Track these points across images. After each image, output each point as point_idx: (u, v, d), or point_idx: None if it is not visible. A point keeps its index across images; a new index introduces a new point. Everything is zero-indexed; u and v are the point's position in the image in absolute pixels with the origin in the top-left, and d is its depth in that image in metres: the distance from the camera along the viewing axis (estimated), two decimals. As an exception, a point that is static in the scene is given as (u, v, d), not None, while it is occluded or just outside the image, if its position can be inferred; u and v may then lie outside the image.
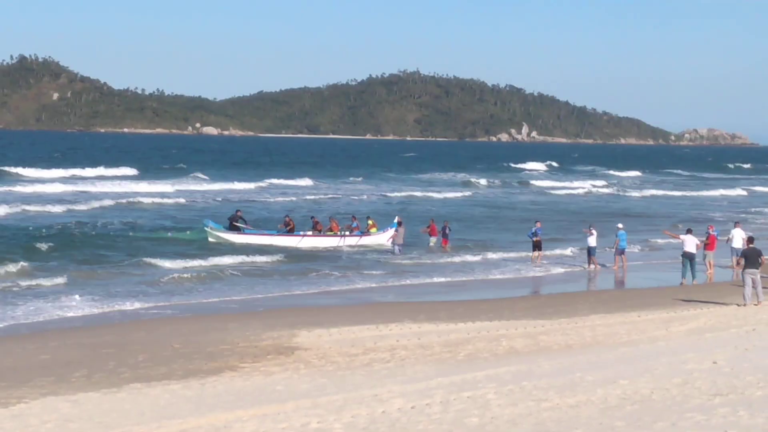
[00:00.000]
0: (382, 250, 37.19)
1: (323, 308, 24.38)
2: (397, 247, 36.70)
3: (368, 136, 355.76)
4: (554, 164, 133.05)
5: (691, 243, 30.39)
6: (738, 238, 33.09)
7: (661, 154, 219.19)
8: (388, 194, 69.25)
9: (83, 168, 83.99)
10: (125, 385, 15.49)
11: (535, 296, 27.97)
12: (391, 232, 38.50)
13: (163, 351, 18.39)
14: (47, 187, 63.00)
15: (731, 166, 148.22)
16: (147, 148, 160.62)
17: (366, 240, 38.51)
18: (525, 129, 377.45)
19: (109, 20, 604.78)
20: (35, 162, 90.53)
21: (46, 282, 26.64)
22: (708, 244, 32.31)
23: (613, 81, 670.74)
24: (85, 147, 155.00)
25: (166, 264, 30.96)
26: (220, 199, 60.13)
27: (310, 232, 38.60)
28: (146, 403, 14.30)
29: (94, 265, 30.52)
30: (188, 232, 39.55)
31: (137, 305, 24.19)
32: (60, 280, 26.94)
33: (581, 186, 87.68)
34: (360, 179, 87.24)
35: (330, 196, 66.56)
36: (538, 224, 36.04)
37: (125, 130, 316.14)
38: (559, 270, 33.34)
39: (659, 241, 41.07)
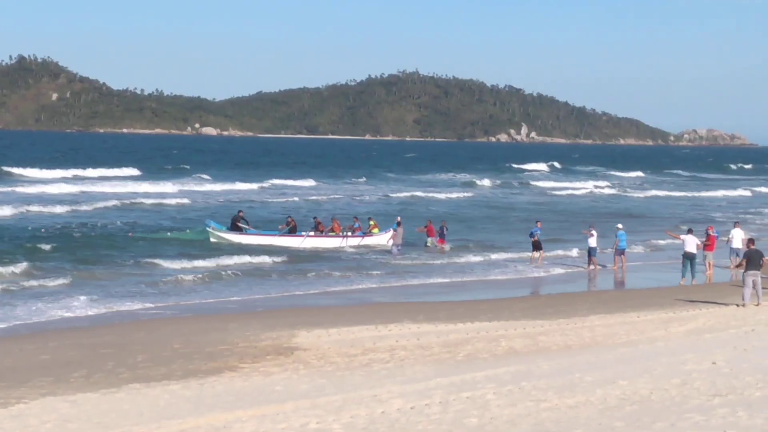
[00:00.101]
0: (382, 251, 37.20)
1: (322, 308, 24.38)
2: (395, 247, 36.72)
3: (367, 137, 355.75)
4: (556, 165, 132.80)
5: (691, 243, 30.42)
6: (738, 238, 33.12)
7: (661, 155, 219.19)
8: (390, 195, 69.21)
9: (85, 168, 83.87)
10: (124, 386, 15.49)
11: (535, 297, 27.99)
12: (390, 233, 38.53)
13: (163, 351, 18.39)
14: (50, 187, 62.78)
15: (733, 167, 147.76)
16: (147, 148, 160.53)
17: (368, 240, 38.52)
18: (524, 129, 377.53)
19: (108, 20, 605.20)
20: (37, 162, 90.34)
21: (46, 282, 26.63)
22: (708, 245, 32.33)
23: (613, 81, 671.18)
24: (85, 147, 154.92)
25: (167, 264, 30.97)
26: (222, 199, 59.99)
27: (312, 233, 38.60)
28: (145, 403, 14.30)
29: (95, 265, 30.51)
30: (188, 231, 39.54)
31: (137, 305, 24.20)
32: (60, 280, 26.94)
33: (584, 187, 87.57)
34: (362, 179, 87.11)
35: (332, 196, 66.51)
36: (539, 224, 36.06)
37: (124, 130, 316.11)
38: (560, 270, 33.35)
39: (661, 241, 41.05)
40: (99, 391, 15.14)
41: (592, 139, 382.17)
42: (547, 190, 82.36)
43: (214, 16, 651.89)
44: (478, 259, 35.42)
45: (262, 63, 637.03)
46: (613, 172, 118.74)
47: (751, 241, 26.23)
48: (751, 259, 24.45)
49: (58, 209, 48.03)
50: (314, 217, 41.30)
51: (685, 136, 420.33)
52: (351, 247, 37.77)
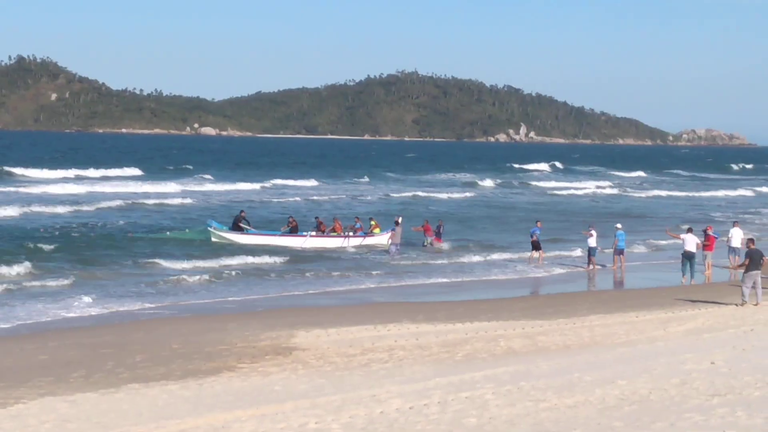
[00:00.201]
0: (381, 251, 37.20)
1: (321, 308, 24.38)
2: (393, 247, 36.73)
3: (366, 137, 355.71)
4: (557, 165, 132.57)
5: (691, 242, 30.45)
6: (737, 237, 33.18)
7: (660, 155, 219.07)
8: (392, 195, 69.16)
9: (87, 169, 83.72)
10: (123, 386, 15.49)
11: (534, 296, 27.99)
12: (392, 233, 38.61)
13: (162, 351, 18.39)
14: (52, 187, 62.60)
15: (736, 167, 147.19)
16: (147, 148, 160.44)
17: (369, 240, 38.53)
18: (523, 129, 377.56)
19: (107, 21, 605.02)
20: (38, 162, 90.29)
21: (46, 282, 26.62)
22: (707, 245, 32.36)
23: (611, 81, 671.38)
24: (86, 147, 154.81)
25: (167, 264, 30.96)
26: (223, 199, 59.91)
27: (313, 233, 38.60)
28: (144, 403, 14.29)
29: (95, 265, 30.47)
30: (187, 230, 39.50)
31: (136, 305, 24.18)
32: (61, 280, 26.91)
33: (586, 187, 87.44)
34: (364, 179, 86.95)
35: (334, 196, 66.46)
36: (539, 224, 36.08)
37: (123, 130, 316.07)
38: (559, 270, 33.34)
39: (662, 241, 40.97)
40: (98, 391, 15.14)
41: (591, 139, 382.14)
42: (549, 190, 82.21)
43: (214, 16, 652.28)
44: (477, 259, 35.42)
45: (261, 63, 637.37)
46: (614, 172, 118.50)
47: (751, 240, 26.26)
48: (752, 258, 24.48)
49: (61, 209, 47.99)
50: (316, 217, 41.28)
51: (684, 136, 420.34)
52: (352, 247, 37.78)
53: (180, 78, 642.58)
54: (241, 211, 40.55)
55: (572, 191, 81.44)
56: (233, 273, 29.88)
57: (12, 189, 60.92)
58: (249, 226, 38.78)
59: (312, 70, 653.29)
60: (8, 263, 28.80)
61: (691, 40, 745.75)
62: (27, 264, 28.82)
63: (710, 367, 15.92)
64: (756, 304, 24.16)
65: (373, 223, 39.74)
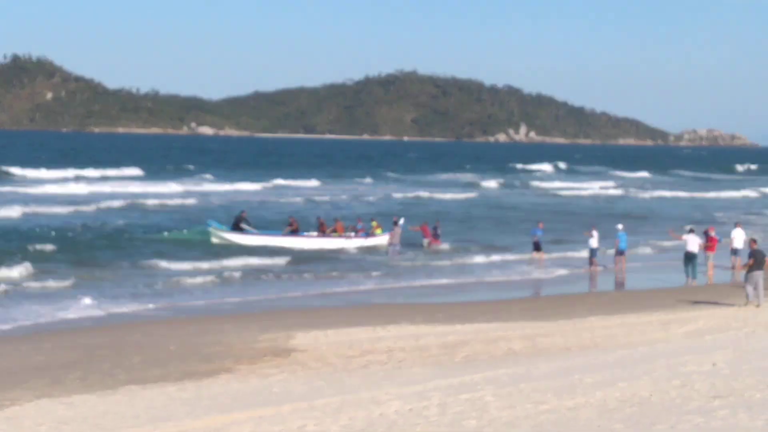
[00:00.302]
0: (380, 251, 37.17)
1: (320, 310, 24.33)
2: (392, 247, 36.73)
3: (365, 136, 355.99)
4: (560, 165, 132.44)
5: (693, 243, 30.43)
6: (739, 238, 33.17)
7: (662, 155, 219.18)
8: (395, 195, 69.11)
9: (86, 169, 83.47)
10: (120, 387, 15.42)
11: (534, 298, 27.95)
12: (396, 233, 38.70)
13: (159, 353, 18.32)
14: (52, 187, 62.39)
15: (740, 168, 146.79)
16: (146, 148, 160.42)
17: (371, 241, 38.50)
18: (523, 129, 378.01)
19: (103, 19, 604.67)
20: (38, 163, 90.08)
21: (44, 283, 26.59)
22: (709, 246, 32.36)
23: (612, 81, 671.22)
24: (84, 147, 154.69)
25: (166, 265, 30.90)
26: (225, 200, 59.79)
27: (314, 233, 38.56)
28: (142, 405, 14.22)
29: (93, 266, 30.39)
30: (185, 231, 39.43)
31: (134, 307, 24.12)
32: (59, 282, 26.86)
33: (589, 187, 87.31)
34: (367, 180, 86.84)
35: (337, 197, 66.46)
36: (540, 225, 36.06)
37: (120, 129, 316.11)
38: (560, 271, 33.28)
39: (666, 243, 40.81)
40: (95, 392, 15.07)
41: (591, 139, 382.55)
42: (553, 191, 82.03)
43: (211, 14, 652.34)
44: (478, 259, 35.37)
45: (259, 62, 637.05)
46: (617, 173, 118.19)
47: (753, 240, 26.26)
48: (756, 258, 24.47)
49: (61, 210, 47.92)
50: (318, 218, 41.24)
51: (685, 136, 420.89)
52: (354, 248, 37.76)
53: (177, 77, 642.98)
54: (242, 211, 40.40)
55: (576, 192, 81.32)
56: (232, 274, 29.82)
57: (11, 189, 60.95)
58: (249, 226, 38.68)
59: (310, 69, 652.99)
60: (6, 264, 28.76)
61: (692, 39, 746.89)
62: (25, 265, 28.75)
63: (711, 369, 15.87)
64: (757, 306, 24.13)
65: (374, 224, 39.71)
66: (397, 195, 69.30)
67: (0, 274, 27.43)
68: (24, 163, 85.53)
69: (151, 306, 24.34)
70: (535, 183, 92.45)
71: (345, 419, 12.99)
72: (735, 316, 22.72)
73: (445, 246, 38.31)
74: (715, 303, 25.18)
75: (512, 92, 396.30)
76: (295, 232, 38.30)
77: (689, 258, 30.24)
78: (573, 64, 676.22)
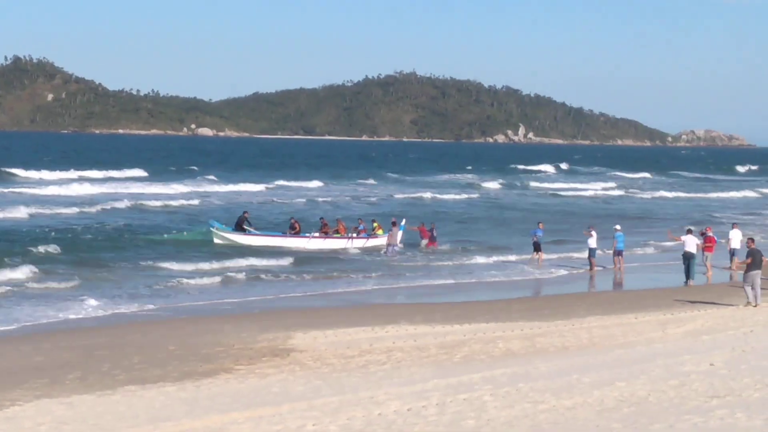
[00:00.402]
0: (380, 252, 37.17)
1: (319, 310, 24.34)
2: (391, 248, 36.77)
3: (364, 138, 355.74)
4: (562, 166, 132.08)
5: (691, 243, 30.46)
6: (736, 238, 33.21)
7: (661, 156, 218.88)
8: (398, 196, 69.07)
9: (91, 170, 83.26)
10: (120, 387, 15.43)
11: (532, 298, 27.94)
12: (399, 234, 38.69)
13: (158, 353, 18.33)
14: (56, 189, 62.25)
15: (742, 169, 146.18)
16: (147, 149, 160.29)
17: (372, 242, 38.49)
18: (521, 130, 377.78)
19: (103, 21, 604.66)
20: (42, 164, 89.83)
21: (45, 284, 26.57)
22: (708, 246, 32.37)
23: (610, 82, 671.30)
24: (87, 148, 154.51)
25: (166, 266, 30.88)
26: (230, 201, 59.69)
27: (317, 234, 38.56)
28: (141, 405, 14.24)
29: (94, 267, 30.28)
30: (185, 233, 39.40)
31: (133, 307, 24.12)
32: (59, 283, 26.84)
33: (591, 188, 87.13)
34: (370, 181, 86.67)
35: (340, 197, 66.43)
36: (540, 225, 36.07)
37: (120, 131, 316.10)
38: (560, 272, 33.28)
39: (669, 243, 40.75)
40: (94, 393, 15.08)
41: (590, 140, 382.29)
42: (555, 192, 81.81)
43: (211, 16, 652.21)
44: (477, 260, 35.36)
45: (259, 64, 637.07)
46: (619, 173, 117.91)
47: (751, 240, 26.29)
48: (753, 258, 24.49)
49: (65, 211, 47.88)
50: (321, 218, 41.23)
51: (683, 136, 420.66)
52: (355, 248, 37.78)
53: (177, 78, 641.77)
54: (245, 212, 40.39)
55: (578, 192, 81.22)
56: (233, 275, 29.80)
57: (16, 190, 61.04)
58: (251, 227, 38.66)
59: (310, 70, 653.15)
60: (10, 265, 28.80)
61: (690, 40, 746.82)
62: (27, 266, 28.75)
63: (709, 369, 15.90)
64: (755, 305, 24.16)
65: (375, 224, 39.70)
66: (400, 196, 69.24)
67: (3, 276, 27.43)
68: (27, 165, 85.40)
69: (150, 306, 24.34)
70: (537, 184, 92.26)
71: (344, 419, 13.01)
72: (733, 316, 22.74)
73: (443, 247, 38.31)
74: (713, 303, 25.19)
75: (511, 93, 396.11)
76: (297, 234, 38.31)
77: (687, 258, 30.26)
78: (571, 66, 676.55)
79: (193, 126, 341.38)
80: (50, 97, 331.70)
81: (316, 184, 79.37)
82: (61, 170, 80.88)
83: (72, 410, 13.93)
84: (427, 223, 40.29)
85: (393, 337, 19.99)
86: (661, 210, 64.19)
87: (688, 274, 30.12)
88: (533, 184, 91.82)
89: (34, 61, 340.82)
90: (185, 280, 28.24)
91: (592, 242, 33.39)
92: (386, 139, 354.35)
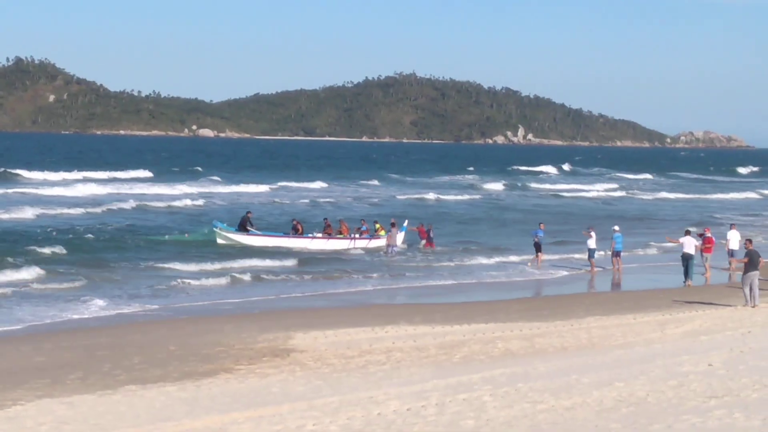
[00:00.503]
0: (379, 253, 37.20)
1: (319, 310, 24.37)
2: (390, 248, 36.83)
3: (364, 139, 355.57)
4: (565, 167, 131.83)
5: (689, 244, 30.50)
6: (734, 239, 33.23)
7: (661, 157, 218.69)
8: (402, 197, 69.00)
9: (96, 171, 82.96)
10: (120, 387, 15.47)
11: (531, 298, 27.97)
12: (401, 235, 38.75)
13: (159, 353, 18.37)
14: (62, 190, 62.25)
15: (744, 171, 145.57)
16: (149, 150, 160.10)
17: (375, 243, 38.53)
18: (521, 131, 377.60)
19: (105, 22, 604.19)
20: (47, 165, 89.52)
21: (47, 285, 26.62)
22: (707, 247, 32.39)
23: (609, 83, 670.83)
24: (90, 149, 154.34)
25: (167, 266, 30.92)
26: (236, 202, 59.63)
27: (319, 234, 38.60)
28: (141, 405, 14.28)
29: (96, 268, 30.24)
30: (186, 235, 39.41)
31: (134, 307, 24.16)
32: (61, 284, 26.88)
33: (594, 189, 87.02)
34: (374, 182, 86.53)
35: (345, 198, 66.41)
36: (542, 226, 36.11)
37: (121, 132, 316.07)
38: (559, 272, 33.32)
39: (667, 245, 40.78)
40: (95, 392, 15.12)
41: (589, 141, 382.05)
42: (557, 193, 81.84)
43: (212, 17, 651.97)
44: (479, 261, 35.39)
45: (259, 65, 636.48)
46: (621, 175, 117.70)
47: (749, 241, 26.33)
48: (751, 258, 24.54)
49: (71, 212, 47.90)
50: (324, 219, 41.31)
51: (682, 138, 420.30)
52: (357, 249, 37.83)
53: (178, 79, 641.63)
54: (248, 212, 40.42)
55: (580, 194, 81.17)
56: (232, 275, 29.81)
57: (22, 191, 61.08)
58: (252, 227, 38.67)
59: (310, 71, 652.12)
60: (13, 265, 28.85)
61: (689, 42, 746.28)
62: (31, 266, 28.79)
63: (707, 369, 15.94)
64: (753, 306, 24.20)
65: (378, 226, 39.73)
66: (403, 197, 69.24)
67: (7, 276, 27.47)
68: (31, 166, 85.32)
69: (151, 307, 24.38)
70: (539, 185, 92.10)
71: (343, 419, 13.06)
72: (731, 317, 22.78)
73: (443, 248, 38.36)
74: (712, 304, 25.23)
75: (510, 95, 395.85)
76: (299, 234, 38.36)
77: (686, 259, 30.31)
78: (571, 67, 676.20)
79: (194, 127, 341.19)
80: (52, 98, 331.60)
81: (319, 185, 79.23)
82: (65, 171, 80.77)
83: (73, 410, 13.98)
84: (425, 224, 40.35)
85: (393, 337, 20.04)
86: (663, 211, 64.19)
87: (686, 274, 30.18)
88: (535, 185, 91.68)
89: (36, 62, 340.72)
90: (186, 281, 28.28)
91: (592, 243, 33.43)
92: (386, 140, 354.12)
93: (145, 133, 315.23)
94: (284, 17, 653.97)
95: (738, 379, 15.05)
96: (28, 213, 45.69)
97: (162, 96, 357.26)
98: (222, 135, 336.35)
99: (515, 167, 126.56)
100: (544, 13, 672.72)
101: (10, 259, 29.97)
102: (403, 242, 38.86)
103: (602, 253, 35.19)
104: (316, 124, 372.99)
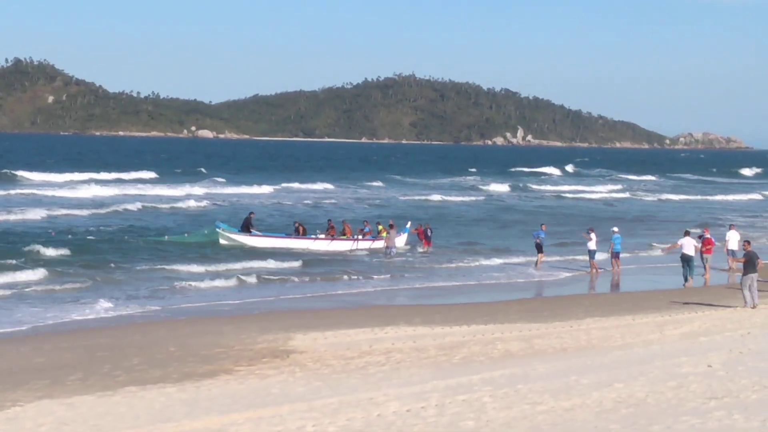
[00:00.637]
0: (378, 254, 37.21)
1: (318, 311, 24.38)
2: (389, 250, 36.84)
3: (363, 140, 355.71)
4: (568, 169, 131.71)
5: (689, 245, 30.52)
6: (733, 240, 33.26)
7: (661, 158, 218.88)
8: (406, 198, 68.95)
9: (99, 172, 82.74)
10: (120, 389, 15.48)
11: (531, 299, 27.97)
12: (403, 237, 38.73)
13: (159, 354, 18.37)
14: (68, 191, 62.19)
15: (750, 173, 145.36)
16: (150, 151, 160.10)
17: (378, 244, 38.54)
18: (520, 133, 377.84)
19: (104, 23, 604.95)
20: (48, 166, 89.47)
21: (46, 286, 26.61)
22: (708, 249, 32.40)
23: (609, 85, 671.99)
24: (90, 150, 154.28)
25: (167, 267, 30.92)
26: (243, 202, 59.57)
27: (322, 235, 38.61)
28: (141, 406, 14.29)
29: (97, 269, 30.20)
30: (186, 235, 39.39)
31: (134, 308, 24.16)
32: (61, 285, 26.86)
33: (598, 191, 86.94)
34: (378, 184, 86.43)
35: (350, 199, 66.37)
36: (543, 227, 36.13)
37: (120, 133, 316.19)
38: (560, 274, 33.32)
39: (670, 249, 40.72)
40: (95, 393, 15.13)
41: (588, 143, 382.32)
42: (562, 194, 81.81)
43: (211, 19, 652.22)
44: (480, 262, 35.40)
45: (259, 66, 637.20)
46: (625, 176, 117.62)
47: (747, 242, 26.35)
48: (749, 260, 24.56)
49: (75, 213, 47.93)
50: (329, 220, 41.31)
51: (681, 139, 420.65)
52: (361, 250, 37.84)
53: (177, 81, 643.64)
54: (251, 213, 40.40)
55: (585, 195, 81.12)
56: (232, 276, 29.80)
57: (24, 191, 61.11)
58: (254, 228, 38.65)
59: (309, 73, 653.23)
60: (16, 267, 28.88)
61: (687, 43, 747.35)
62: (35, 268, 28.81)
63: (707, 370, 15.95)
64: (753, 307, 24.22)
65: (380, 227, 39.75)
66: (408, 198, 69.27)
67: (11, 277, 27.45)
68: (32, 167, 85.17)
69: (151, 308, 24.38)
70: (543, 186, 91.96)
71: (343, 420, 13.06)
72: (730, 318, 22.80)
73: (440, 249, 38.38)
74: (711, 305, 25.24)
75: (510, 96, 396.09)
76: (303, 235, 38.37)
77: (685, 260, 30.32)
78: (570, 68, 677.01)
79: (193, 128, 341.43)
80: (51, 99, 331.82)
81: (323, 186, 79.05)
82: (68, 172, 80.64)
83: (72, 411, 13.98)
84: (423, 225, 40.35)
85: (392, 338, 20.05)
86: (667, 212, 64.21)
87: (686, 275, 30.20)
88: (539, 186, 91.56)
89: (35, 63, 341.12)
90: (187, 282, 28.27)
91: (592, 245, 33.43)
92: (385, 141, 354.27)
93: (144, 134, 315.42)
94: (283, 18, 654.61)
95: (737, 381, 15.06)
96: (32, 214, 45.69)
97: (161, 97, 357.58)
98: (221, 136, 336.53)
99: (518, 168, 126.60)
100: (544, 14, 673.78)
101: (12, 261, 29.99)
102: (405, 243, 38.89)
103: (605, 255, 35.16)
104: (315, 125, 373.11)
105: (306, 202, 62.67)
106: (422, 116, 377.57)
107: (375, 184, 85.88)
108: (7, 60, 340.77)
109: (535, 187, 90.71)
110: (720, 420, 12.59)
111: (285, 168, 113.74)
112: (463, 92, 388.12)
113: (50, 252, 32.67)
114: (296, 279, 30.29)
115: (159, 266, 31.16)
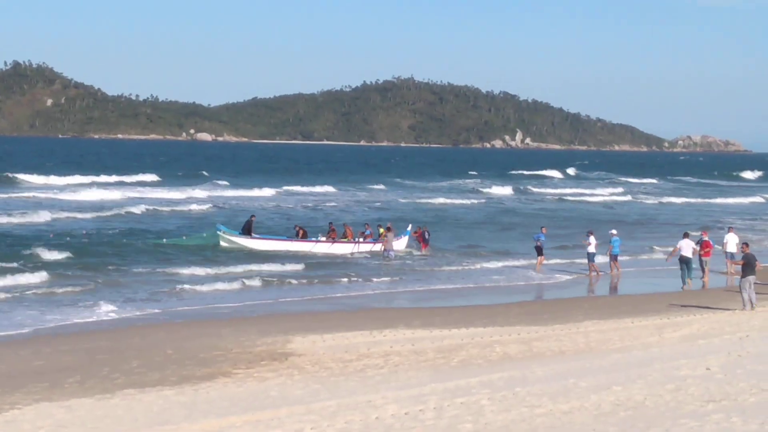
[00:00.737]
0: (377, 256, 37.22)
1: (317, 314, 24.38)
2: (387, 253, 36.86)
3: (362, 143, 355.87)
4: (570, 171, 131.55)
5: (687, 247, 30.52)
6: (732, 242, 33.28)
7: (661, 161, 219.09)
8: (408, 201, 69.00)
9: (100, 175, 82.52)
10: (119, 391, 15.48)
11: (530, 302, 27.97)
12: (404, 240, 38.71)
13: (157, 357, 18.38)
14: (71, 194, 62.10)
15: (752, 176, 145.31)
16: (150, 154, 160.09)
17: (379, 247, 38.53)
18: (519, 135, 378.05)
19: (103, 26, 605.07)
20: (48, 169, 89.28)
21: (45, 289, 26.60)
22: (706, 251, 32.39)
23: (607, 87, 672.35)
24: (90, 153, 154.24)
25: (167, 270, 30.92)
26: (245, 205, 59.56)
27: (323, 238, 38.61)
28: (139, 409, 14.29)
29: (96, 272, 30.20)
30: (184, 237, 39.38)
31: (134, 311, 24.15)
32: (61, 288, 26.82)
33: (600, 194, 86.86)
34: (380, 186, 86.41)
35: (352, 202, 66.38)
36: (543, 230, 36.14)
37: (119, 136, 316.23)
38: (559, 276, 33.32)
39: (670, 248, 40.66)
40: (93, 396, 15.13)
41: (587, 146, 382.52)
42: (563, 197, 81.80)
43: (210, 21, 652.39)
44: (480, 265, 35.39)
45: (258, 69, 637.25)
46: (626, 179, 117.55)
47: (745, 244, 26.37)
48: (748, 262, 24.58)
49: (77, 215, 47.92)
50: (330, 223, 41.32)
51: (680, 142, 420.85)
52: (362, 253, 37.85)
53: (176, 83, 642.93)
54: (252, 216, 40.41)
55: (586, 198, 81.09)
56: (232, 279, 29.80)
57: (26, 195, 61.10)
58: (253, 232, 38.63)
59: (308, 75, 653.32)
60: (17, 270, 28.85)
61: (686, 45, 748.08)
62: (34, 271, 28.79)
63: (705, 373, 15.96)
64: (751, 310, 24.22)
65: (381, 230, 39.75)
66: (409, 201, 69.25)
67: (11, 281, 27.43)
68: (32, 169, 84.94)
69: (150, 310, 24.37)
70: (544, 189, 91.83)
71: (341, 423, 13.07)
72: (729, 321, 22.80)
73: (441, 252, 38.39)
74: (709, 307, 25.26)
75: (508, 99, 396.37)
76: (304, 237, 38.38)
77: (684, 263, 30.32)
78: (569, 71, 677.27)
79: (192, 131, 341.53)
80: (49, 102, 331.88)
81: (325, 188, 78.95)
82: (69, 175, 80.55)
83: (71, 414, 13.99)
84: (421, 227, 40.37)
85: (391, 341, 20.05)
86: (667, 215, 64.19)
87: (684, 278, 30.20)
88: (541, 189, 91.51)
89: (34, 66, 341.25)
90: (186, 285, 28.26)
91: (591, 248, 33.44)
92: (384, 144, 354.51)
93: (142, 137, 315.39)
94: (282, 21, 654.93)
95: (736, 384, 15.06)
96: (36, 218, 45.62)
97: (160, 100, 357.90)
98: (220, 139, 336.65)
99: (518, 171, 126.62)
100: (542, 17, 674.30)
101: (14, 264, 30.00)
102: (407, 246, 38.90)
103: (605, 257, 35.15)
104: (314, 128, 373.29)
105: (307, 204, 62.71)
106: (421, 119, 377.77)
107: (376, 187, 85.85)
108: (5, 63, 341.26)
109: (535, 189, 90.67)
110: (718, 423, 12.60)
111: (285, 171, 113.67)
112: (462, 95, 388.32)
113: (51, 255, 32.67)
114: (295, 282, 30.30)
115: (159, 269, 31.18)
